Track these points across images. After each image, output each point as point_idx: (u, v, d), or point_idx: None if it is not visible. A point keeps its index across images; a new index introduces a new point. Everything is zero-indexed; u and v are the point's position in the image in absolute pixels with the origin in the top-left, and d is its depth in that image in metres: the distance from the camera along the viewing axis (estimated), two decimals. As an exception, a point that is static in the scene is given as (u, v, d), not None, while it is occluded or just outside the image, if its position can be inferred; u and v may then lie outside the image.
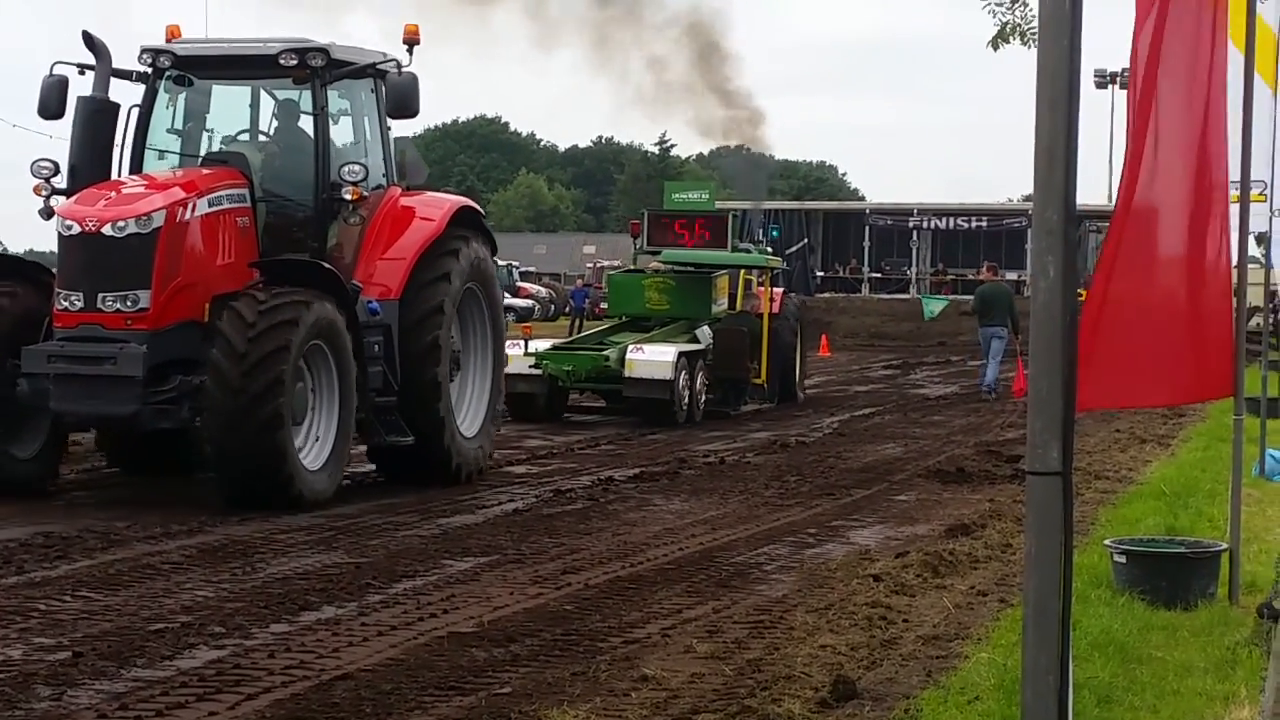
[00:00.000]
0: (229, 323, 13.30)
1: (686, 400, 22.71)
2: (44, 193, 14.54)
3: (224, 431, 13.22)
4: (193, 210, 13.92)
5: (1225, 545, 9.79)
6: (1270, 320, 27.08)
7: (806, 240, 57.80)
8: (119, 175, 14.85)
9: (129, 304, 13.53)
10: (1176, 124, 5.84)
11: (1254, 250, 17.10)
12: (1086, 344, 4.96)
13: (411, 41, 15.14)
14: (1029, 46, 13.44)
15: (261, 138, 15.77)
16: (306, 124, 15.28)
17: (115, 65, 15.07)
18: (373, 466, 15.90)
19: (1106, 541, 10.18)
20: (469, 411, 16.15)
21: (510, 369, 19.03)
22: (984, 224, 60.95)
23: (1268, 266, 15.07)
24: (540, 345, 23.00)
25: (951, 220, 61.52)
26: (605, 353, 22.79)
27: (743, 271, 26.27)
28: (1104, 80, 67.27)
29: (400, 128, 16.34)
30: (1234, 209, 9.67)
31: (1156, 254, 5.96)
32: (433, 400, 15.09)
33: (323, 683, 7.92)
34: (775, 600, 10.23)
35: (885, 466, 17.92)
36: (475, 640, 8.90)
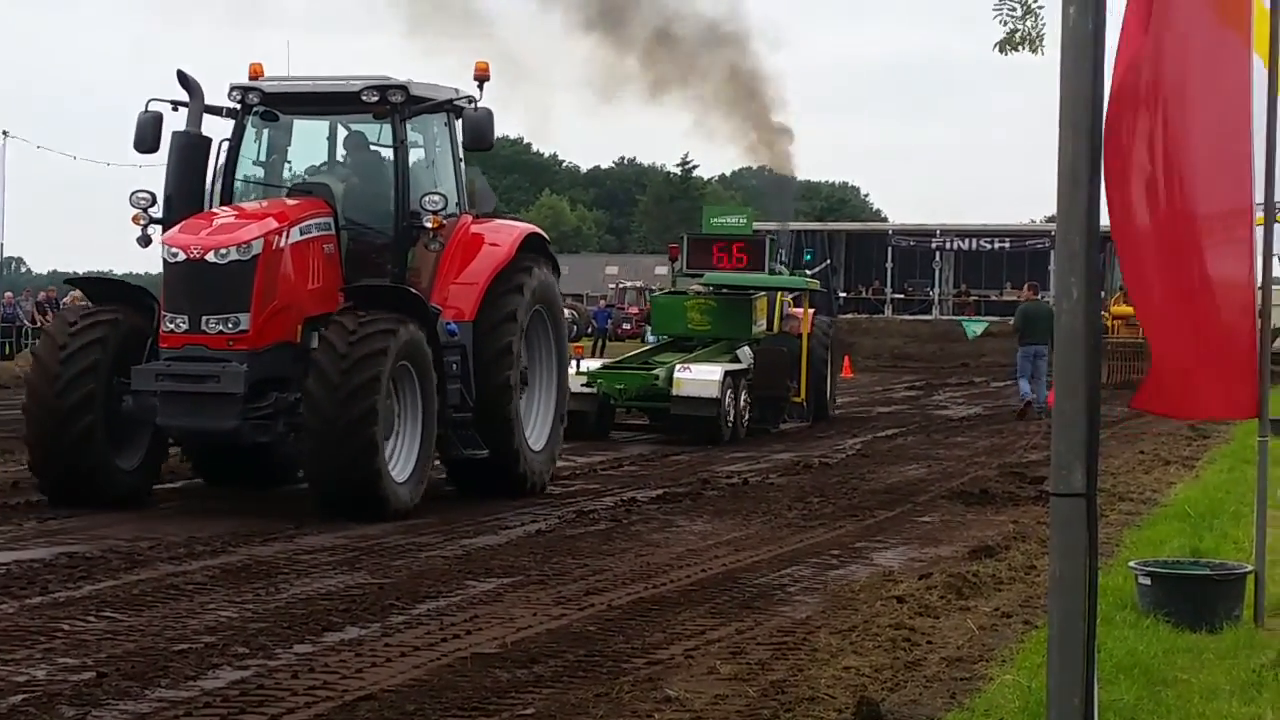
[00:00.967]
0: (324, 351, 14.21)
1: (731, 418, 23.40)
2: (142, 221, 15.54)
3: (320, 450, 14.10)
4: (287, 238, 14.81)
5: (1250, 567, 9.75)
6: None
7: (829, 261, 57.82)
8: (210, 205, 15.75)
9: (230, 326, 14.44)
10: (1197, 146, 5.83)
11: (1278, 271, 17.03)
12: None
13: (482, 78, 16.12)
14: (1039, 54, 13.42)
15: (338, 168, 16.58)
16: (380, 155, 16.29)
17: (206, 102, 16.04)
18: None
19: (1131, 563, 10.14)
20: (536, 426, 17.07)
21: None
22: (1007, 245, 60.84)
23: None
24: (592, 365, 23.79)
25: (974, 241, 61.39)
26: (655, 372, 23.61)
27: (779, 293, 26.84)
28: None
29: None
30: (1258, 231, 9.66)
31: (1179, 275, 5.95)
32: (505, 416, 16.04)
33: (346, 703, 7.92)
34: (799, 622, 10.21)
35: (909, 488, 17.89)
36: (498, 661, 8.90)
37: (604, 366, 24.23)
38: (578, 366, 22.62)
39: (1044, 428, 24.62)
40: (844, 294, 61.00)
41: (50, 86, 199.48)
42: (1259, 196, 8.67)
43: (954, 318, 57.78)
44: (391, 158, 15.94)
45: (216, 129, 16.20)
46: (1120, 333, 38.49)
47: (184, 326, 14.48)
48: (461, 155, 16.58)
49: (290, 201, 15.51)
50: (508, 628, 9.80)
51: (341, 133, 16.74)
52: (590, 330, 59.25)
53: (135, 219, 15.57)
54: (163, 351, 14.59)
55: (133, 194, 15.52)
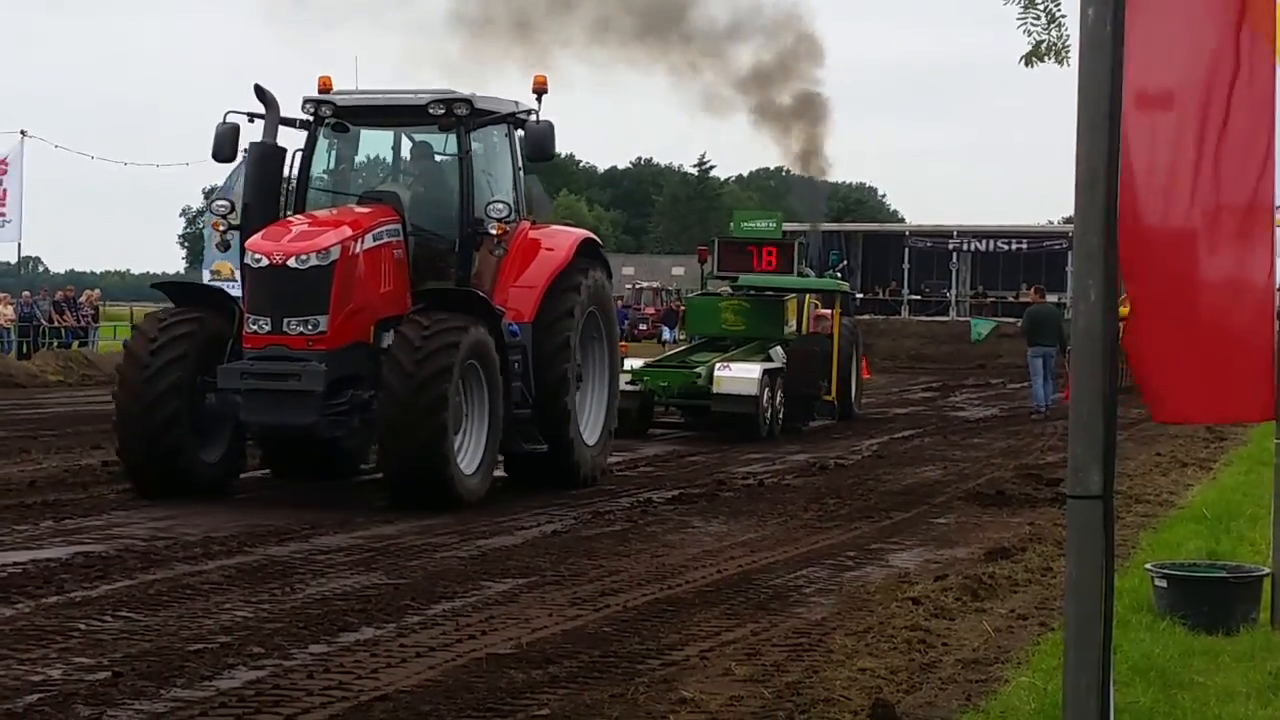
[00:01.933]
0: (399, 346, 14.94)
1: (769, 415, 24.17)
2: (220, 228, 16.63)
3: (393, 440, 14.82)
4: (361, 244, 15.58)
5: (1267, 570, 9.72)
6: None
7: (846, 262, 57.79)
8: (284, 213, 16.56)
9: (310, 327, 15.23)
10: (1216, 146, 5.80)
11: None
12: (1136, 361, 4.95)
13: (540, 91, 16.84)
14: (1064, 65, 13.39)
15: (403, 176, 17.50)
16: (442, 164, 17.13)
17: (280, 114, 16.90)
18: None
19: (1147, 565, 10.12)
20: (590, 421, 17.88)
21: None
22: (1024, 246, 60.74)
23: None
24: (635, 363, 24.25)
25: (991, 242, 61.31)
26: (697, 370, 24.25)
27: (807, 295, 27.60)
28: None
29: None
30: (1278, 232, 9.62)
31: (1196, 276, 5.93)
32: (562, 412, 16.88)
33: (361, 704, 7.93)
34: (814, 623, 10.20)
35: (925, 489, 17.87)
36: (513, 662, 8.89)
37: (647, 365, 24.94)
38: (621, 365, 22.95)
39: (1060, 429, 24.57)
40: (860, 295, 60.91)
41: (67, 87, 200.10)
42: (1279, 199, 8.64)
43: (971, 319, 57.72)
44: (454, 167, 16.69)
45: (287, 140, 17.07)
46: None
47: (266, 328, 15.25)
48: (520, 164, 17.37)
49: (363, 209, 16.18)
50: (523, 628, 9.80)
51: (405, 142, 17.60)
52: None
53: (214, 225, 16.77)
54: (245, 351, 15.39)
55: (212, 202, 16.70)
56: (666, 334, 58.56)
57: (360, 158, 17.85)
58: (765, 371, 24.22)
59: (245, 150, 16.85)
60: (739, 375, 23.92)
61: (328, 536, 13.35)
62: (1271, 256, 6.80)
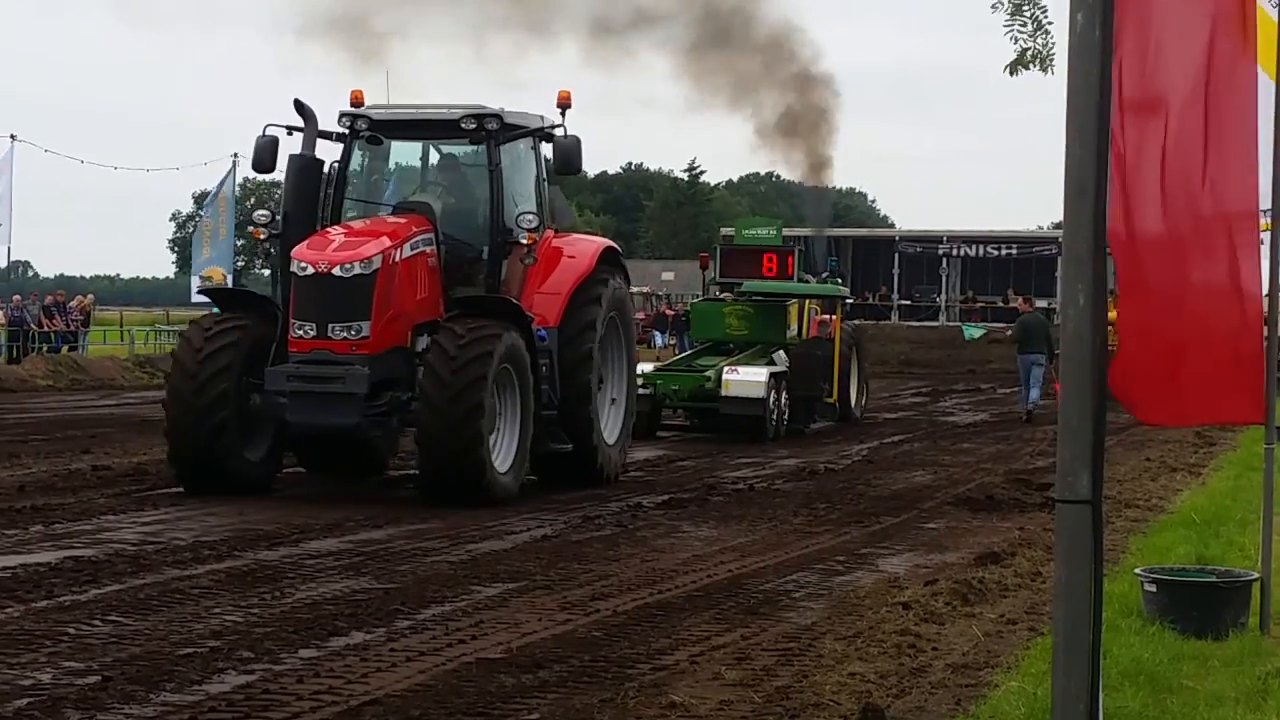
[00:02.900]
0: (436, 355, 15.63)
1: (775, 417, 24.91)
2: (262, 235, 17.25)
3: (431, 443, 15.49)
4: (400, 254, 16.30)
5: (1256, 575, 9.74)
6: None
7: (830, 268, 57.80)
8: (321, 221, 17.23)
9: (353, 333, 15.97)
10: (1201, 153, 5.82)
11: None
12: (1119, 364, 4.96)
13: (564, 105, 17.56)
14: (1049, 73, 13.43)
15: (433, 188, 18.17)
16: (470, 175, 17.91)
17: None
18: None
19: (1137, 570, 10.13)
20: (609, 422, 18.57)
21: None
22: (1014, 251, 60.79)
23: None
24: (646, 367, 24.67)
25: (981, 247, 61.34)
26: (706, 374, 25.10)
27: (808, 300, 28.58)
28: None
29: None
30: (1266, 236, 9.63)
31: (1180, 281, 5.94)
32: (585, 413, 17.57)
33: (351, 708, 7.92)
34: (804, 628, 10.20)
35: (914, 494, 17.88)
36: (503, 666, 8.90)
37: (658, 369, 25.62)
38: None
39: (1050, 434, 24.60)
40: (850, 300, 60.91)
41: (58, 91, 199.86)
42: (1264, 203, 8.67)
43: (960, 324, 57.78)
44: (481, 177, 17.43)
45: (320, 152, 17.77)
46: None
47: (312, 333, 15.98)
48: (545, 176, 18.18)
49: (399, 220, 16.93)
50: (513, 633, 9.80)
51: (433, 155, 18.35)
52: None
53: (255, 234, 17.44)
54: (291, 355, 16.09)
55: (255, 212, 17.47)
56: (659, 339, 58.51)
57: (389, 168, 18.51)
58: (772, 375, 24.93)
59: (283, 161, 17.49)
60: (747, 379, 24.64)
61: (317, 541, 13.35)
62: (1258, 260, 6.82)
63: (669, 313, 62.41)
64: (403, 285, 16.31)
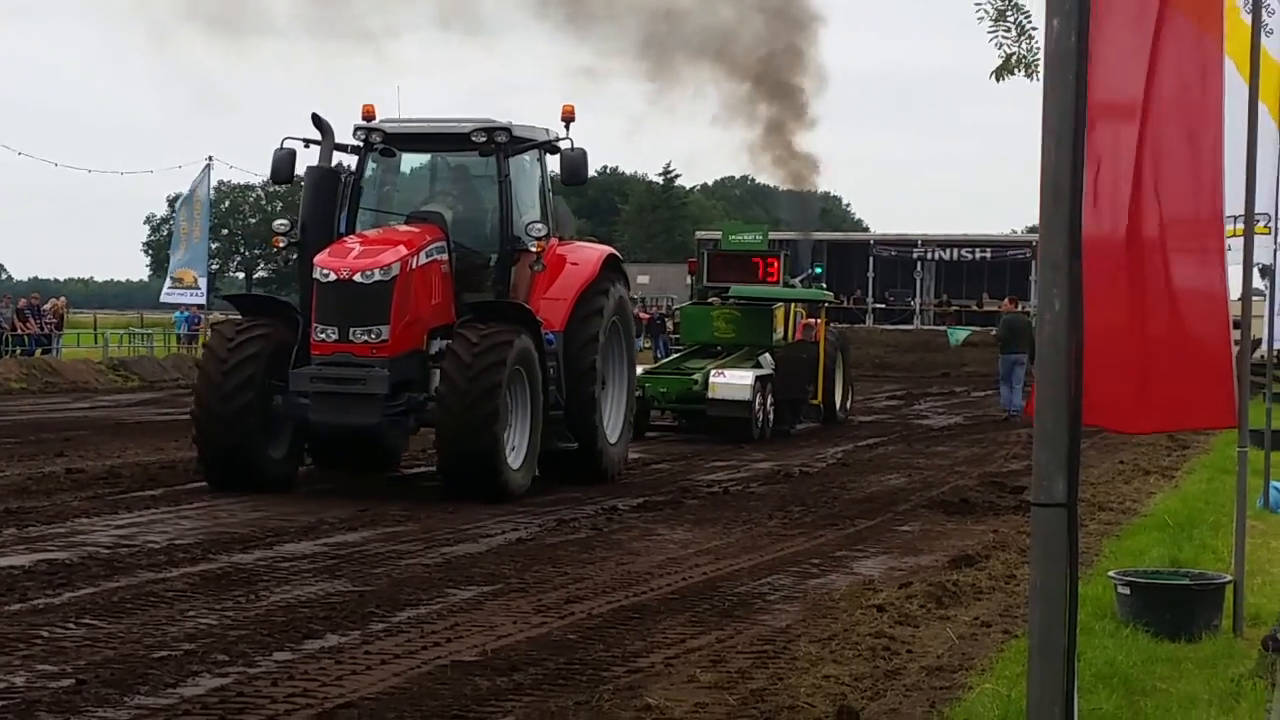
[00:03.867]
0: (451, 360, 16.37)
1: (761, 419, 25.43)
2: (281, 244, 18.08)
3: (449, 444, 16.34)
4: (417, 261, 17.00)
5: (1229, 577, 9.78)
6: (1275, 352, 27.26)
7: (809, 271, 57.91)
8: (338, 231, 17.86)
9: (373, 336, 16.67)
10: (1170, 154, 5.84)
11: (1258, 283, 17.08)
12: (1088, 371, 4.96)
13: (568, 119, 18.19)
14: (1033, 79, 13.48)
15: (443, 198, 18.79)
16: (479, 185, 18.66)
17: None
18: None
19: (1111, 573, 10.16)
20: (611, 422, 19.23)
21: None
22: (988, 255, 61.03)
23: (1271, 298, 15.00)
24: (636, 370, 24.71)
25: (955, 251, 61.62)
26: (694, 376, 25.55)
27: (793, 304, 29.21)
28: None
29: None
30: (1238, 241, 9.68)
31: (1150, 285, 5.96)
32: (590, 413, 18.32)
33: (326, 711, 7.92)
34: (779, 630, 10.21)
35: (889, 497, 17.91)
36: (478, 669, 8.89)
37: (647, 372, 25.84)
38: None
39: (1024, 437, 24.67)
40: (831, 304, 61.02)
41: (30, 93, 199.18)
42: (1232, 208, 8.70)
43: (935, 327, 57.96)
44: (490, 188, 18.19)
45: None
46: None
47: (334, 336, 16.65)
48: (550, 186, 18.91)
49: (413, 229, 17.56)
50: (488, 636, 9.79)
51: (443, 166, 19.19)
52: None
53: (275, 242, 18.27)
54: (313, 358, 16.77)
55: (275, 222, 18.24)
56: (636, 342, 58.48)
57: (401, 180, 19.20)
58: (757, 378, 25.41)
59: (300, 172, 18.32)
60: (733, 381, 25.16)
61: (292, 544, 13.33)
62: (1224, 264, 6.84)
63: (644, 316, 62.41)
64: (419, 291, 16.99)
